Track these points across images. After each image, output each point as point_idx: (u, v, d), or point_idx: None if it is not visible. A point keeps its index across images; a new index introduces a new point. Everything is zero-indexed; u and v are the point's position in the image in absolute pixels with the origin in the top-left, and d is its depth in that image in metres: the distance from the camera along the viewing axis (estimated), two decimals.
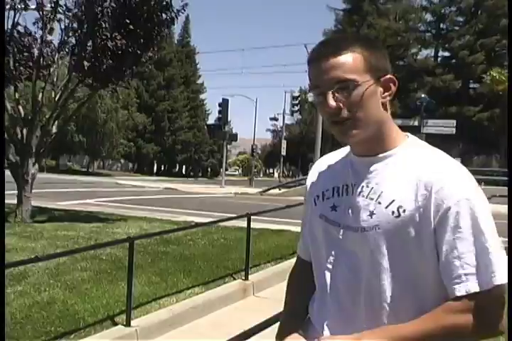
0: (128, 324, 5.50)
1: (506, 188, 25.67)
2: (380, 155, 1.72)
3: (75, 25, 12.86)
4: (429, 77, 51.93)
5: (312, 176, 1.95)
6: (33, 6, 12.71)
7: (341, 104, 1.63)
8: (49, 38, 13.10)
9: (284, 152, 47.91)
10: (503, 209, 17.61)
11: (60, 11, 12.88)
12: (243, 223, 8.74)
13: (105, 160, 79.75)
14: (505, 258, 1.61)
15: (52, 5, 12.81)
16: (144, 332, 5.53)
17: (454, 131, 36.21)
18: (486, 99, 48.04)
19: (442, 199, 1.59)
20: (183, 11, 13.15)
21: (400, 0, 59.16)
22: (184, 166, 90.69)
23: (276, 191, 31.96)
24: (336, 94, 1.63)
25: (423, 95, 39.93)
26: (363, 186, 1.72)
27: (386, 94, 1.70)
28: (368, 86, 1.64)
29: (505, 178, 30.93)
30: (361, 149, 1.74)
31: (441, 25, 56.97)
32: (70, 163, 75.70)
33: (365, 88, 1.63)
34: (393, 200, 1.65)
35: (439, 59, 57.05)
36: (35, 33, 13.10)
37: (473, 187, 1.64)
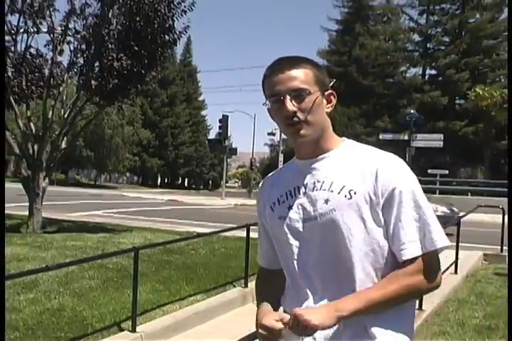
0: (133, 330, 5.49)
1: (491, 198, 25.71)
2: (323, 155, 1.91)
3: (84, 46, 12.92)
4: (418, 94, 52.03)
5: (262, 193, 2.12)
6: (45, 30, 12.81)
7: (296, 109, 1.81)
8: (59, 59, 13.23)
9: (281, 165, 47.81)
10: (487, 218, 17.67)
11: (70, 33, 12.99)
12: (243, 233, 8.73)
13: (112, 174, 79.48)
14: (440, 226, 1.83)
15: (63, 28, 12.91)
16: (148, 338, 5.52)
17: (441, 144, 36.22)
18: (471, 115, 48.17)
19: (388, 181, 1.80)
20: (184, 32, 13.23)
21: (390, 21, 59.44)
22: (186, 179, 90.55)
23: None
24: (292, 101, 1.82)
25: (412, 111, 39.93)
26: (314, 182, 1.89)
27: (329, 105, 1.92)
28: (317, 96, 1.85)
29: (490, 189, 30.93)
30: (307, 150, 1.92)
31: (428, 45, 57.15)
32: (79, 177, 75.51)
33: (315, 97, 1.84)
34: (344, 186, 1.83)
35: (426, 77, 57.17)
36: (46, 54, 13.24)
37: (409, 170, 1.86)
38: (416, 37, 58.03)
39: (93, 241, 11.19)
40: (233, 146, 45.37)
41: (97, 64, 12.64)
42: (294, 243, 1.89)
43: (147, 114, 74.22)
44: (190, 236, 10.30)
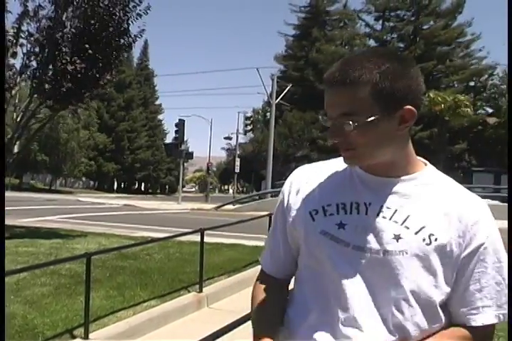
0: (86, 337, 5.42)
1: None
2: (403, 178, 1.59)
3: (37, 49, 12.76)
4: None
5: (295, 187, 1.72)
6: None
7: (343, 138, 1.50)
8: (11, 61, 12.99)
9: (237, 169, 47.92)
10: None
11: (23, 36, 12.81)
12: (197, 238, 8.72)
13: (67, 178, 78.75)
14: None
15: (15, 30, 12.70)
16: None
17: None
18: (426, 119, 49.01)
19: (475, 234, 1.54)
20: (140, 36, 13.23)
21: (346, 27, 60.21)
22: (143, 183, 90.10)
23: (230, 207, 31.87)
24: (344, 125, 1.47)
25: None
26: (382, 206, 1.57)
27: (402, 126, 1.52)
28: (373, 119, 1.46)
29: None
30: (377, 170, 1.59)
31: None
32: (34, 181, 74.52)
33: (372, 123, 1.46)
34: (423, 227, 1.53)
35: None
36: None
37: (494, 222, 1.59)
38: (372, 42, 58.94)
39: (46, 247, 11.03)
40: (190, 151, 45.33)
41: (50, 67, 12.50)
42: (339, 267, 1.56)
43: (103, 117, 73.74)
44: (144, 241, 10.26)
